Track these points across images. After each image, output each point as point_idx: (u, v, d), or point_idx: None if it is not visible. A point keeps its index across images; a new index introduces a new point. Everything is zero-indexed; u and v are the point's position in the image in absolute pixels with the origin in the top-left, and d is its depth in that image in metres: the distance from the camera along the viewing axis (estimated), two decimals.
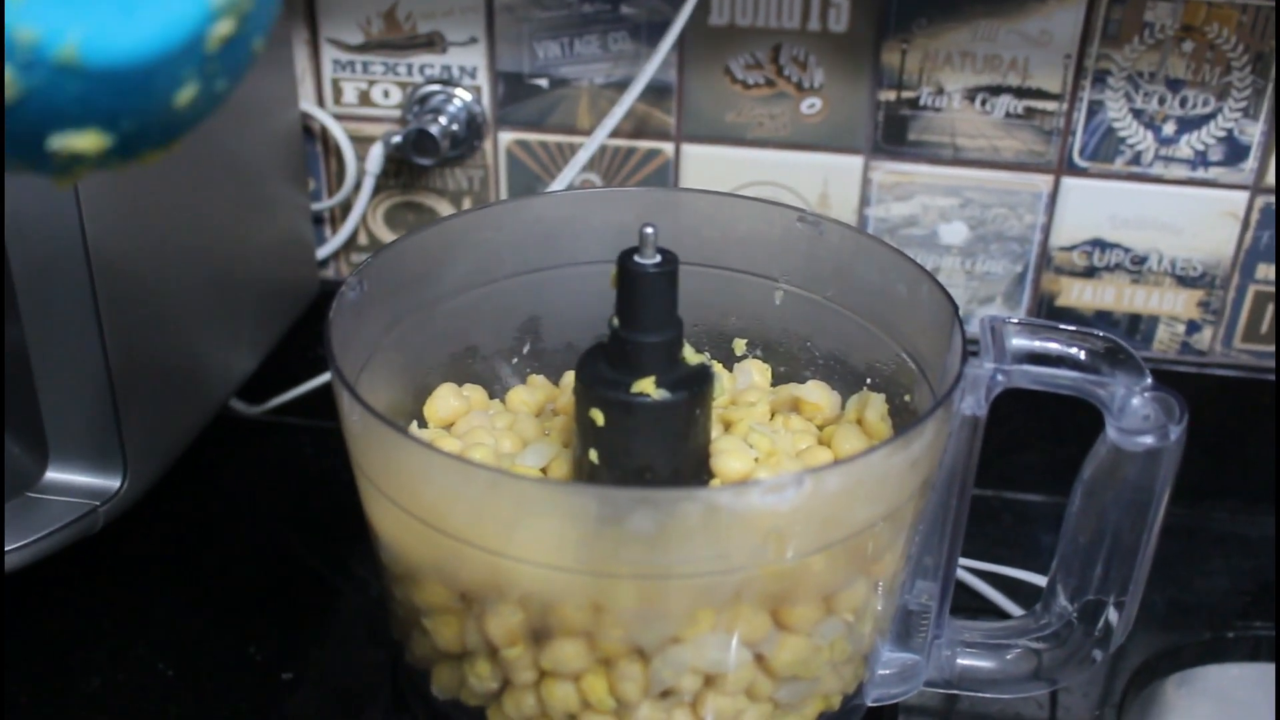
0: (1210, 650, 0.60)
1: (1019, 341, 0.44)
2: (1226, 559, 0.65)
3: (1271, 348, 0.69)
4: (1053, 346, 0.44)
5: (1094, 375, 0.43)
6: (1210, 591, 0.62)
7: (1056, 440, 0.68)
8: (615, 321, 0.42)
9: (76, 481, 0.54)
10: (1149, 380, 0.43)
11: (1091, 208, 0.66)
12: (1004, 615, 0.60)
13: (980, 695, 0.50)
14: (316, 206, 0.72)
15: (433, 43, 0.68)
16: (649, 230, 0.41)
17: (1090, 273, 0.68)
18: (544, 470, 0.46)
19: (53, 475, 0.54)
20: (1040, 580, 0.61)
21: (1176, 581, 0.63)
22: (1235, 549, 0.65)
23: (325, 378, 0.70)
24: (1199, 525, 0.67)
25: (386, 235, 0.73)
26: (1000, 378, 0.43)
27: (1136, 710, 0.58)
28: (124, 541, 0.58)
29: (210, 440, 0.62)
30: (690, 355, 0.43)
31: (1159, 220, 0.66)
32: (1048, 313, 0.69)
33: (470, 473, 0.39)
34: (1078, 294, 0.69)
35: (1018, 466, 0.69)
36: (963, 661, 0.49)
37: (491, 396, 0.52)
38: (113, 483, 0.54)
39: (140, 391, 0.54)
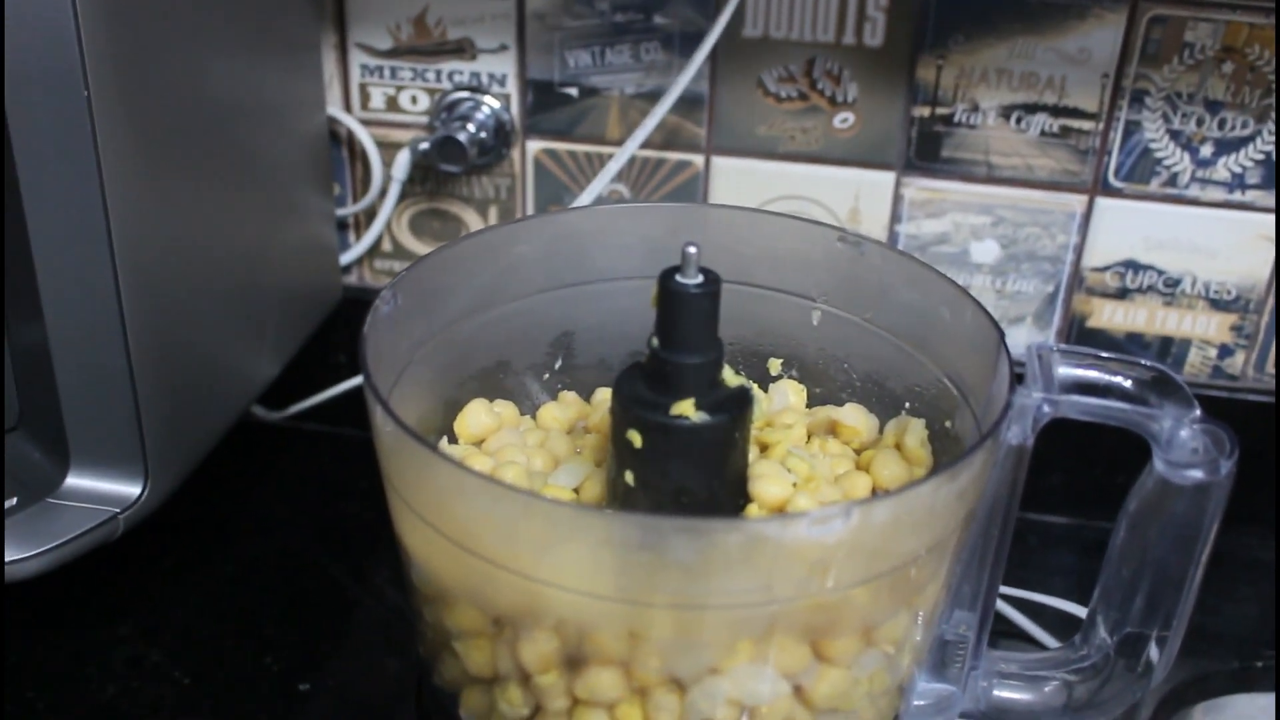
0: (1238, 679, 0.59)
1: (1066, 370, 0.43)
2: (1256, 586, 0.64)
3: None
4: (1100, 376, 0.43)
5: (1142, 406, 0.42)
6: (1239, 619, 0.62)
7: (1082, 462, 0.67)
8: (655, 342, 0.41)
9: (97, 488, 0.54)
10: (1198, 411, 0.43)
11: (1125, 229, 0.66)
12: (1027, 639, 0.59)
13: None
14: (341, 212, 0.71)
15: (462, 49, 0.67)
16: (692, 250, 0.40)
17: (1122, 294, 0.67)
18: (576, 490, 0.46)
19: (73, 481, 0.54)
20: (1063, 605, 0.61)
21: (1205, 608, 0.61)
22: (1265, 576, 0.64)
23: (347, 385, 0.70)
24: (1228, 551, 0.65)
25: (411, 242, 0.73)
26: (1047, 408, 0.42)
27: None
28: (141, 547, 0.58)
29: (230, 446, 0.61)
30: (730, 377, 0.42)
31: (1193, 243, 0.65)
32: (1078, 334, 0.69)
33: (505, 495, 0.38)
34: (1109, 316, 0.68)
35: (1042, 488, 0.68)
36: (999, 693, 0.48)
37: (522, 413, 0.51)
38: (133, 489, 0.54)
39: (163, 397, 0.53)
